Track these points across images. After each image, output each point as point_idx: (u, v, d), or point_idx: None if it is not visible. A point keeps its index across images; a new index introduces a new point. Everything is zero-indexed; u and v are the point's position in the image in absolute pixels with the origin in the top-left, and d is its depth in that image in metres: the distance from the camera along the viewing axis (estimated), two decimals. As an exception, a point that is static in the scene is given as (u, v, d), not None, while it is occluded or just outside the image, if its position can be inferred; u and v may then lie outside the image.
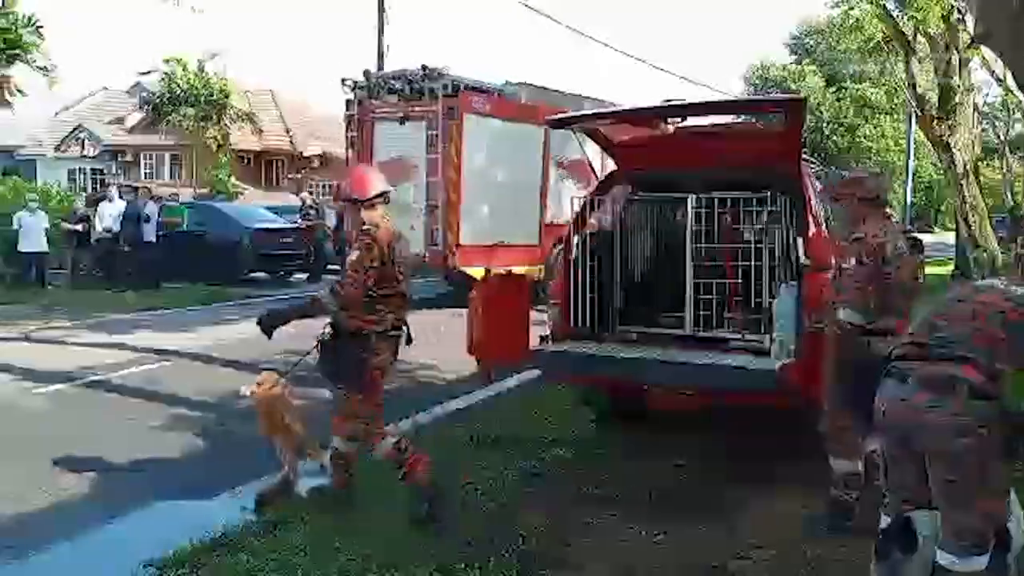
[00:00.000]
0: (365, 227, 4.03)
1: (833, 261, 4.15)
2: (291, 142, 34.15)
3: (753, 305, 5.17)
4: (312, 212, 17.95)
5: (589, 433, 5.71)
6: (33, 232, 14.99)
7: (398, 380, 7.94)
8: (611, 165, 6.00)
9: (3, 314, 11.74)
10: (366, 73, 10.56)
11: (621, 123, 5.47)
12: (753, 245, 5.19)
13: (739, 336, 5.18)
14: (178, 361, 8.56)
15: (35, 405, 6.67)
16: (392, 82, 9.06)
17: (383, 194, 4.18)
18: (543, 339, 5.39)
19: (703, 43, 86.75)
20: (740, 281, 5.26)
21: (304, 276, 17.47)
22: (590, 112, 5.73)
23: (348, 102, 11.21)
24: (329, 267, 17.93)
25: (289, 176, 33.51)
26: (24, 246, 14.99)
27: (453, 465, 4.88)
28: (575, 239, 5.50)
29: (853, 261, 3.79)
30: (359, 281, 3.94)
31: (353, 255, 4.00)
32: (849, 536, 3.76)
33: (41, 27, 24.79)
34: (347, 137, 11.32)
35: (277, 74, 70.41)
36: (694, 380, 4.78)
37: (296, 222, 17.69)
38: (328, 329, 4.10)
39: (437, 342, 6.45)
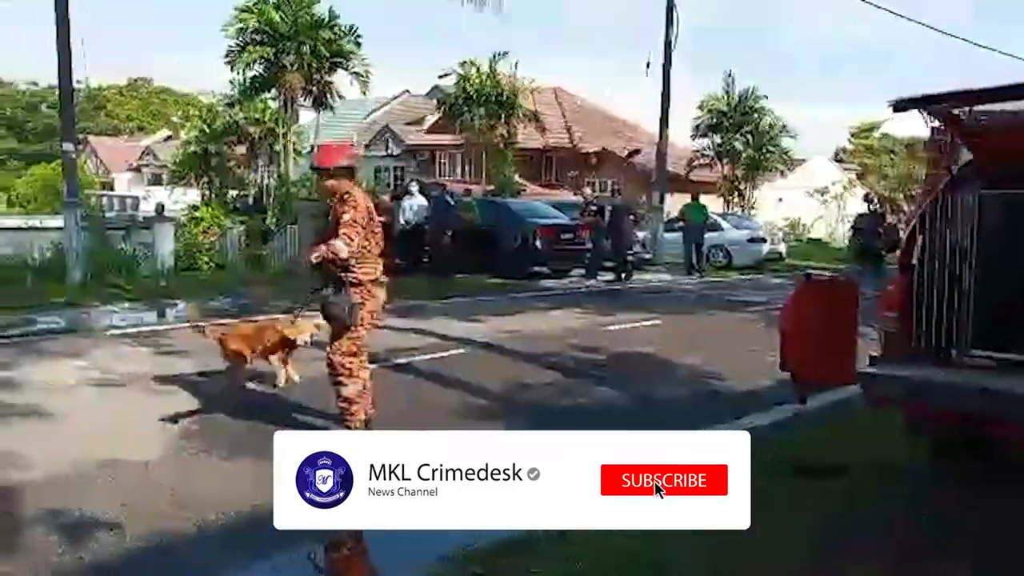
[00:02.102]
0: (346, 193, 4.94)
1: None
2: (571, 140, 34.78)
3: None
4: (593, 208, 18.00)
5: (925, 470, 4.86)
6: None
7: (679, 389, 7.51)
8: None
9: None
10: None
11: (986, 104, 4.54)
12: None
13: None
14: (469, 350, 8.81)
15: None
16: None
17: (348, 168, 5.14)
18: (873, 359, 4.66)
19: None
20: None
21: (582, 272, 17.58)
22: (944, 92, 4.84)
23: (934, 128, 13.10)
24: (606, 263, 17.89)
25: (569, 174, 34.18)
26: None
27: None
28: (917, 241, 4.69)
29: None
30: (359, 234, 4.87)
31: (347, 215, 4.84)
32: None
33: (360, 37, 27.56)
34: (931, 154, 12.94)
35: (561, 71, 72.59)
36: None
37: (575, 218, 17.86)
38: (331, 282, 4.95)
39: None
